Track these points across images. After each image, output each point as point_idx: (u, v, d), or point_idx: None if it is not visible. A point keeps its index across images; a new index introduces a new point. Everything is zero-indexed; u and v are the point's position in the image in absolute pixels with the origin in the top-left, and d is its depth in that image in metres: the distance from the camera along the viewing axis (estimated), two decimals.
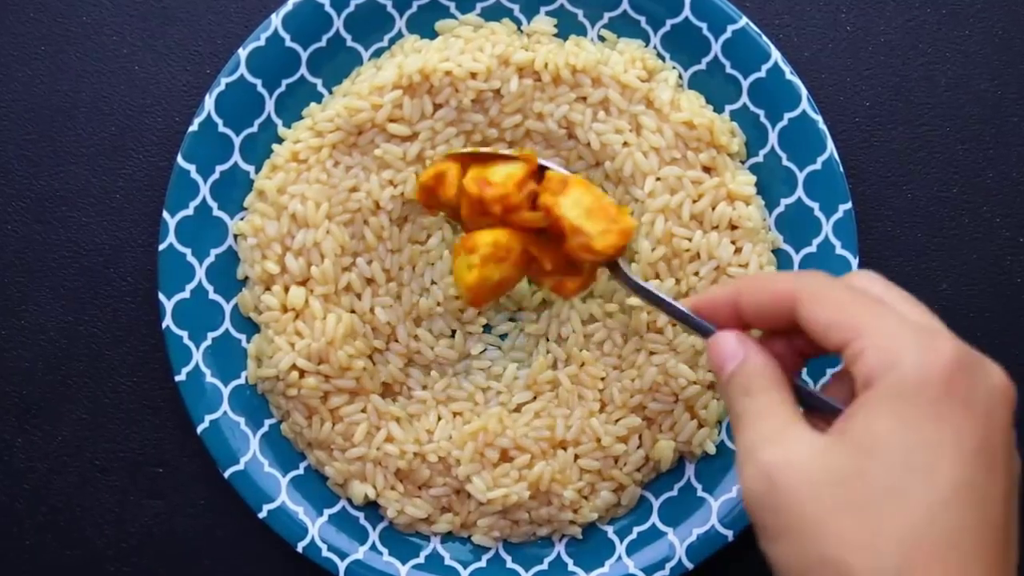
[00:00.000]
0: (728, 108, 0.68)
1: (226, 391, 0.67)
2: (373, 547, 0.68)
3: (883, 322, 0.46)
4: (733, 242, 0.67)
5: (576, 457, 0.67)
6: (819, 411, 0.50)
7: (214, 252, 0.68)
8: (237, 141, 0.67)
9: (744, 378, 0.49)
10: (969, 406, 0.44)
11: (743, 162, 0.68)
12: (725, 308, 0.52)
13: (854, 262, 0.66)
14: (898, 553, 0.42)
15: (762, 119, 0.68)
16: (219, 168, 0.67)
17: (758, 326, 0.52)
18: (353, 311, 0.67)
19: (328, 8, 0.67)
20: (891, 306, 0.47)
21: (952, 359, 0.45)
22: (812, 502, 0.44)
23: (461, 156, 0.63)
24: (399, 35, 0.69)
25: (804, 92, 0.67)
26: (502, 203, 0.61)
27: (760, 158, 0.68)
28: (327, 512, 0.68)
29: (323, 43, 0.68)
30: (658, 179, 0.66)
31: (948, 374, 0.44)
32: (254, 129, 0.68)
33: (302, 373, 0.66)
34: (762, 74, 0.67)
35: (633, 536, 0.68)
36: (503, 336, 0.69)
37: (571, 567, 0.68)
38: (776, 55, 0.67)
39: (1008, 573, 0.44)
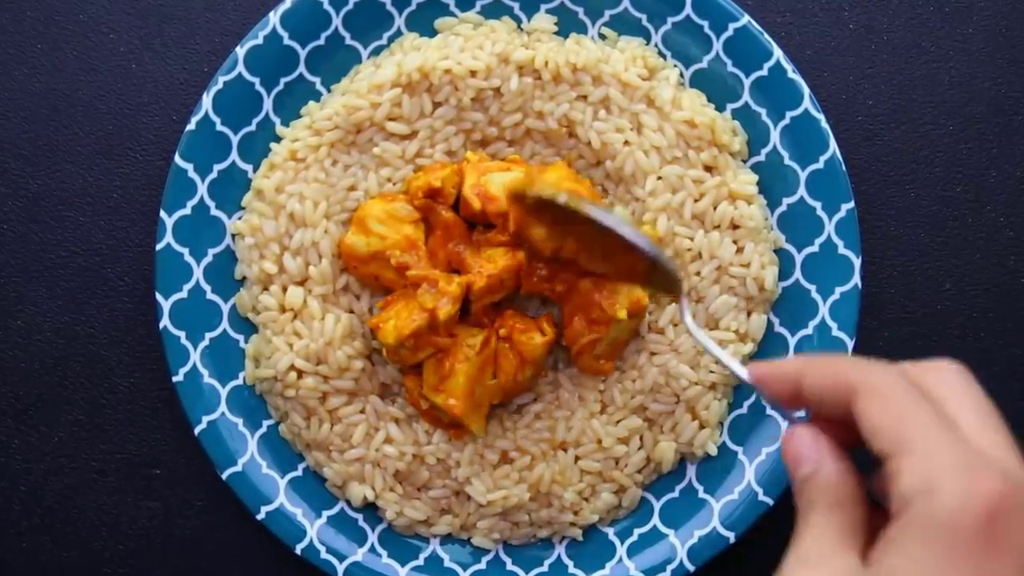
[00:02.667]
0: (730, 107, 0.68)
1: (224, 392, 0.67)
2: (372, 549, 0.67)
3: (930, 441, 0.43)
4: (735, 241, 0.67)
5: (577, 458, 0.67)
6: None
7: (212, 252, 0.67)
8: (235, 140, 0.67)
9: (814, 489, 0.47)
10: (1005, 552, 0.41)
11: (745, 161, 0.68)
12: (787, 385, 0.49)
13: (856, 262, 0.66)
14: None
15: (764, 118, 0.67)
16: (217, 167, 0.67)
17: (816, 408, 0.49)
18: (352, 311, 0.67)
19: (327, 6, 0.67)
20: (954, 417, 0.45)
21: (993, 497, 0.41)
22: None
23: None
24: (398, 33, 0.68)
25: (806, 91, 0.67)
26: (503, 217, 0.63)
27: (762, 157, 0.68)
28: (326, 514, 0.67)
29: (322, 41, 0.68)
30: (659, 178, 0.66)
31: (985, 514, 0.41)
32: (252, 128, 0.67)
33: (300, 374, 0.66)
34: (764, 72, 0.67)
35: (634, 538, 0.68)
36: None
37: (572, 569, 0.67)
38: (778, 53, 0.67)
39: None
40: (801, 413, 0.50)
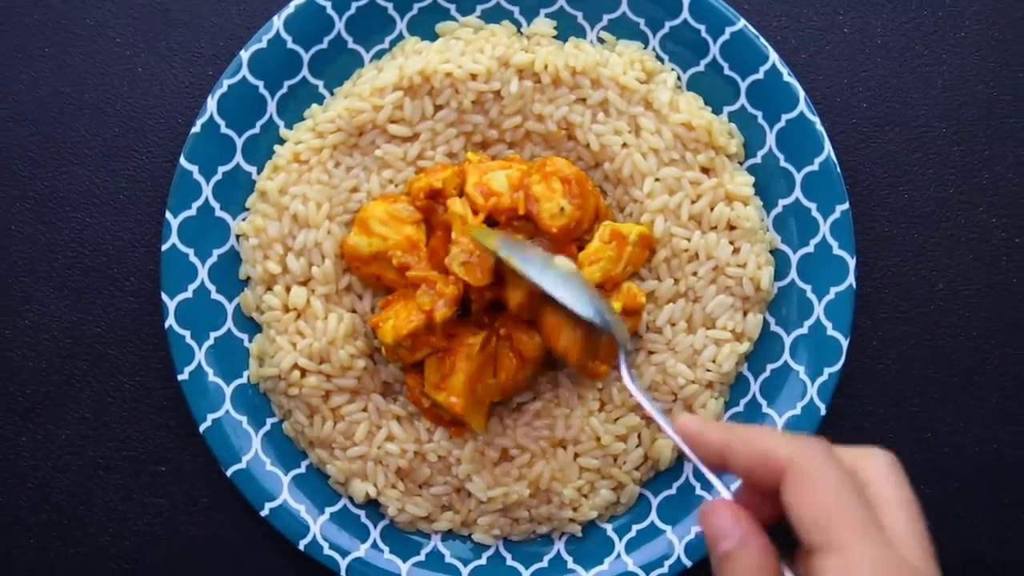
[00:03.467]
0: (726, 109, 0.69)
1: (228, 390, 0.68)
2: (374, 545, 0.68)
3: (855, 545, 0.43)
4: (731, 242, 0.67)
5: (576, 456, 0.67)
6: None
7: (216, 252, 0.68)
8: (239, 142, 0.68)
9: (736, 568, 0.46)
10: None
11: (741, 163, 0.69)
12: (712, 452, 0.49)
13: (851, 262, 0.67)
14: None
15: (760, 120, 0.68)
16: (221, 169, 0.68)
17: (741, 476, 0.48)
18: (354, 311, 0.67)
19: (330, 10, 0.67)
20: (876, 505, 0.45)
21: None
22: None
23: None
24: (400, 37, 0.69)
25: (802, 93, 0.67)
26: (506, 213, 0.64)
27: (758, 159, 0.68)
28: (328, 510, 0.68)
29: (324, 45, 0.68)
30: (657, 180, 0.67)
31: None
32: (256, 130, 0.68)
33: (304, 372, 0.66)
34: (760, 76, 0.67)
35: (632, 534, 0.68)
36: None
37: (571, 564, 0.68)
38: (774, 57, 0.67)
39: None
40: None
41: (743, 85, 0.68)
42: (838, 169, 0.67)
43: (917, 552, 0.45)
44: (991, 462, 0.70)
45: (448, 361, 0.64)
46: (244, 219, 0.68)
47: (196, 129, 0.67)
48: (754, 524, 0.47)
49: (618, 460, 0.67)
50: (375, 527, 0.68)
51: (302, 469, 0.68)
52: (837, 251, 0.67)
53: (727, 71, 0.68)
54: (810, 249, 0.67)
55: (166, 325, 0.67)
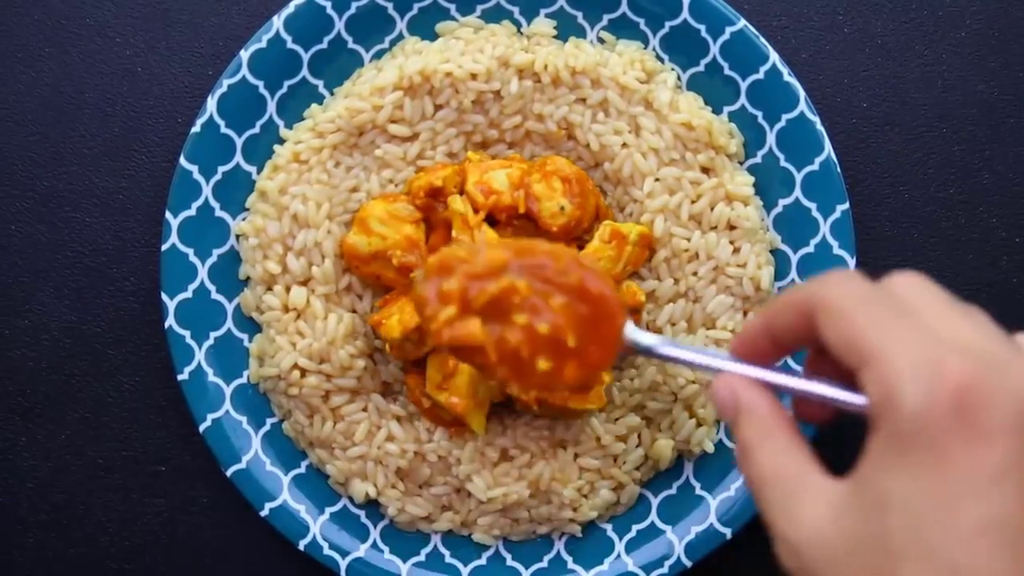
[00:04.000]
0: (726, 109, 0.69)
1: (228, 390, 0.68)
2: (374, 545, 0.68)
3: (887, 345, 0.40)
4: (731, 242, 0.67)
5: (576, 456, 0.67)
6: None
7: (216, 252, 0.68)
8: (239, 142, 0.68)
9: (756, 418, 0.44)
10: (982, 432, 0.38)
11: (741, 163, 0.69)
12: (762, 341, 0.46)
13: (851, 262, 0.67)
14: None
15: (760, 120, 0.68)
16: (221, 169, 0.68)
17: (799, 348, 0.46)
18: (354, 311, 0.67)
19: (329, 10, 0.68)
20: (918, 318, 0.41)
21: (958, 383, 0.38)
22: (836, 571, 0.39)
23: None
24: (400, 37, 0.69)
25: (802, 93, 0.67)
26: (506, 212, 0.64)
27: (758, 159, 0.68)
28: (328, 510, 0.68)
29: (324, 45, 0.68)
30: (657, 180, 0.67)
31: (953, 403, 0.38)
32: (256, 130, 0.68)
33: (303, 372, 0.66)
34: (760, 75, 0.68)
35: (632, 534, 0.68)
36: None
37: (571, 565, 0.68)
38: (774, 57, 0.67)
39: None
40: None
41: (743, 85, 0.68)
42: (838, 169, 0.67)
43: (966, 329, 0.41)
44: None
45: (451, 361, 0.64)
46: (244, 219, 0.68)
47: (196, 129, 0.67)
48: (759, 388, 0.45)
49: (618, 460, 0.67)
50: (375, 527, 0.68)
51: (302, 469, 0.68)
52: (837, 251, 0.67)
53: (727, 71, 0.68)
54: (810, 249, 0.67)
55: (166, 325, 0.67)
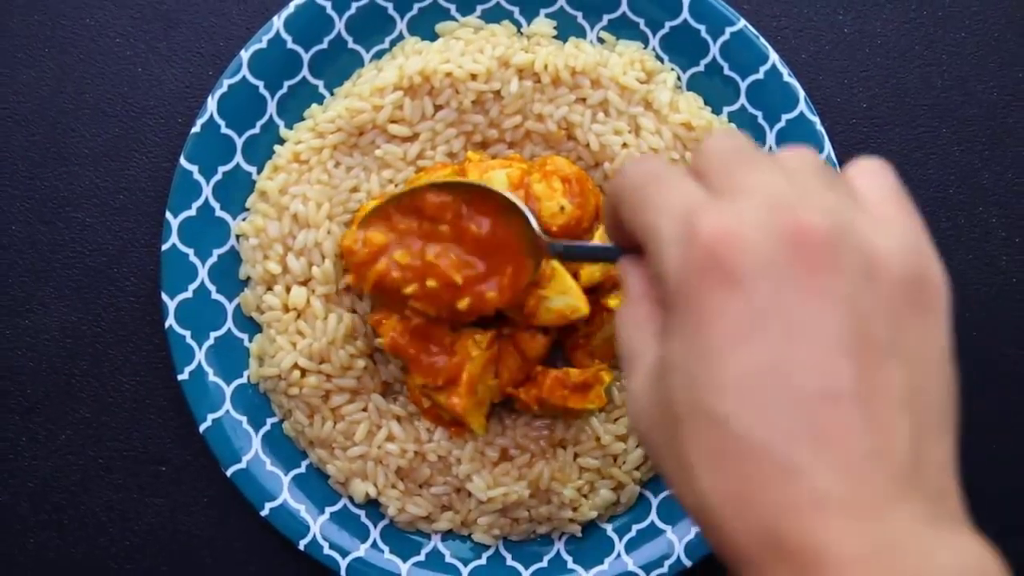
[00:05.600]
0: (726, 110, 0.69)
1: (228, 390, 0.68)
2: (374, 545, 0.68)
3: (656, 216, 0.39)
4: None
5: (576, 456, 0.67)
6: None
7: (216, 252, 0.68)
8: (239, 142, 0.68)
9: (620, 307, 0.43)
10: (734, 279, 0.36)
11: None
12: (612, 229, 0.45)
13: None
14: (707, 482, 0.36)
15: (760, 121, 0.68)
16: (221, 169, 0.68)
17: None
18: (354, 311, 0.67)
19: (329, 10, 0.68)
20: (702, 180, 0.39)
21: (709, 236, 0.36)
22: (651, 436, 0.39)
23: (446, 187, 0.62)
24: (400, 37, 0.69)
25: (802, 94, 0.67)
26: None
27: None
28: (328, 510, 0.68)
29: (324, 45, 0.68)
30: None
31: (704, 259, 0.36)
32: (256, 130, 0.68)
33: (304, 372, 0.66)
34: (760, 76, 0.68)
35: (632, 534, 0.68)
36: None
37: (571, 564, 0.68)
38: (774, 57, 0.67)
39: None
40: None
41: (743, 85, 0.68)
42: (838, 169, 0.67)
43: (758, 181, 0.38)
44: (991, 462, 0.70)
45: (451, 361, 0.64)
46: (244, 219, 0.68)
47: (196, 129, 0.67)
48: (636, 269, 0.43)
49: (618, 460, 0.67)
50: (375, 527, 0.68)
51: (302, 469, 0.68)
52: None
53: (727, 71, 0.68)
54: None
55: (166, 325, 0.67)
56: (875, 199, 0.39)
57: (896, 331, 0.36)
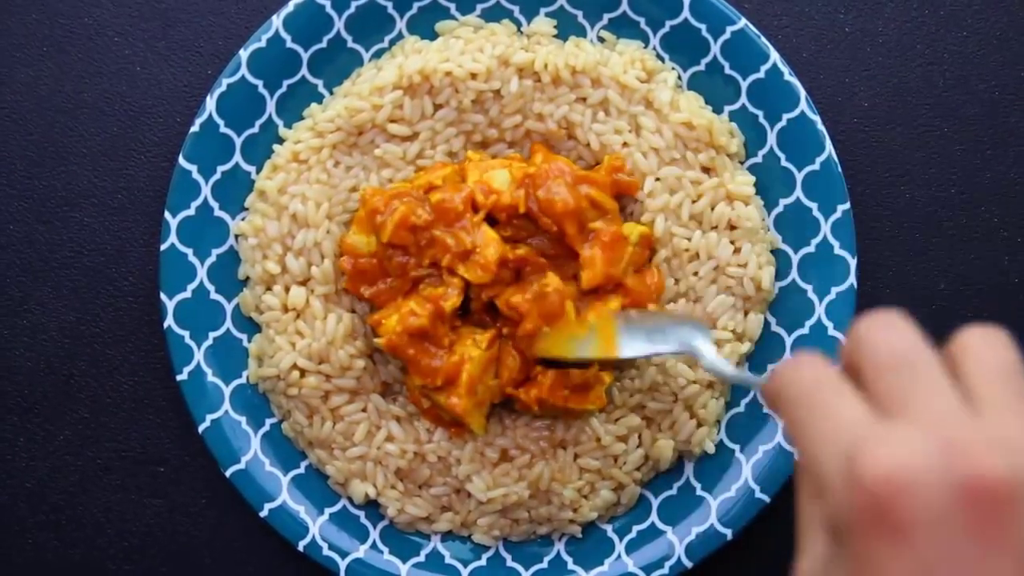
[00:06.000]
0: (727, 109, 0.68)
1: (227, 390, 0.68)
2: (374, 546, 0.68)
3: (815, 442, 0.37)
4: (732, 242, 0.67)
5: (576, 456, 0.67)
6: None
7: (215, 252, 0.68)
8: (238, 141, 0.68)
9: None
10: (901, 529, 0.34)
11: (742, 162, 0.69)
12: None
13: (852, 262, 0.66)
14: None
15: (761, 120, 0.68)
16: (220, 168, 0.68)
17: None
18: (353, 311, 0.67)
19: (329, 9, 0.67)
20: (871, 397, 0.37)
21: (877, 474, 0.34)
22: None
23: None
24: (399, 36, 0.69)
25: (803, 93, 0.67)
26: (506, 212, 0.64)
27: (759, 158, 0.68)
28: (328, 511, 0.68)
29: (324, 44, 0.68)
30: (657, 179, 0.67)
31: (871, 498, 0.34)
32: (255, 130, 0.68)
33: (303, 373, 0.66)
34: (761, 75, 0.67)
35: (632, 535, 0.68)
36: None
37: (571, 565, 0.68)
38: (775, 56, 0.67)
39: None
40: None
41: (744, 84, 0.68)
42: (839, 168, 0.67)
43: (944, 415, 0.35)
44: None
45: (450, 361, 0.64)
46: (243, 219, 0.68)
47: (195, 128, 0.67)
48: None
49: (618, 461, 0.67)
50: (375, 528, 0.68)
51: (301, 470, 0.68)
52: (838, 251, 0.67)
53: (728, 70, 0.68)
54: (811, 249, 0.67)
55: (165, 325, 0.67)
56: None
57: None
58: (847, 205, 0.67)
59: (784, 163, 0.68)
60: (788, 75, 0.67)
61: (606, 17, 0.69)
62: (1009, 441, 0.34)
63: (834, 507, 0.35)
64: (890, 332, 0.38)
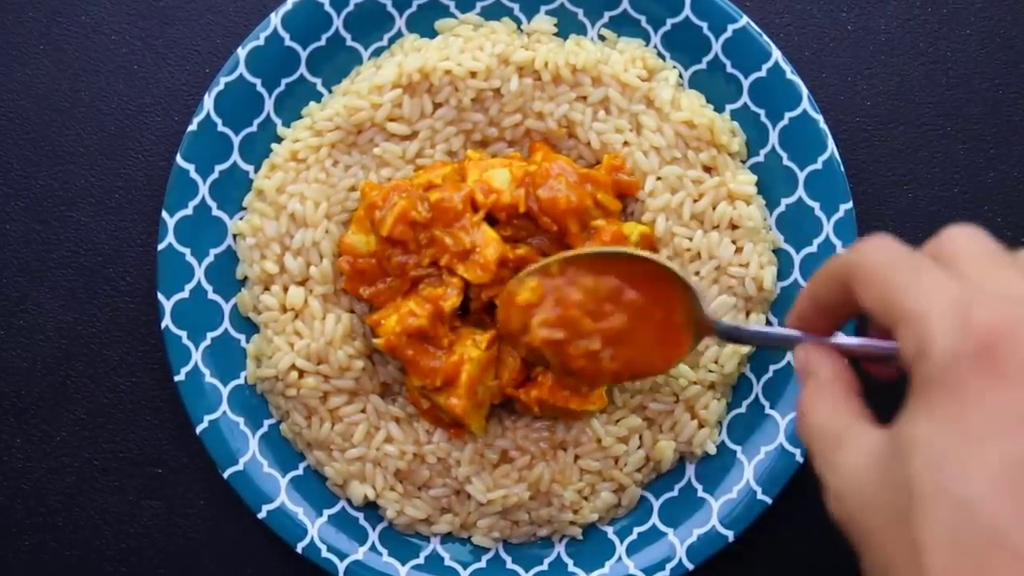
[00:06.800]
0: (729, 107, 0.68)
1: (225, 391, 0.67)
2: (373, 547, 0.67)
3: (920, 298, 0.40)
4: (734, 241, 0.67)
5: (576, 458, 0.67)
6: None
7: (213, 252, 0.68)
8: (236, 140, 0.67)
9: (804, 388, 0.47)
10: (1007, 375, 0.37)
11: (744, 161, 0.68)
12: (812, 314, 0.49)
13: None
14: (939, 563, 0.37)
15: (763, 118, 0.68)
16: (218, 168, 0.67)
17: (850, 317, 0.48)
18: (352, 311, 0.67)
19: (328, 7, 0.67)
20: (955, 269, 0.42)
21: (985, 326, 0.38)
22: (870, 516, 0.41)
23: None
24: (399, 34, 0.69)
25: (805, 91, 0.67)
26: (506, 211, 0.64)
27: (761, 157, 0.68)
28: (327, 512, 0.68)
29: (322, 42, 0.68)
30: (659, 178, 0.66)
31: (979, 347, 0.38)
32: (253, 128, 0.68)
33: (301, 373, 0.66)
34: (763, 73, 0.67)
35: (633, 536, 0.68)
36: None
37: (571, 567, 0.67)
38: (777, 54, 0.67)
39: None
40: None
41: (745, 83, 0.68)
42: (841, 168, 0.66)
43: (1003, 278, 0.41)
44: None
45: (449, 362, 0.63)
46: (241, 218, 0.68)
47: (193, 127, 0.67)
48: (825, 353, 0.48)
49: (619, 462, 0.67)
50: (374, 529, 0.68)
51: (300, 471, 0.68)
52: (841, 250, 0.66)
53: (729, 69, 0.68)
54: (813, 249, 0.67)
55: (162, 325, 0.67)
56: None
57: None
58: (849, 204, 0.66)
59: (786, 162, 0.67)
60: (790, 74, 0.67)
61: (607, 15, 0.68)
62: None
63: (939, 353, 0.38)
64: (975, 233, 0.44)
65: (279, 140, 0.68)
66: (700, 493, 0.68)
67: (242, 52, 0.67)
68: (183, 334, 0.67)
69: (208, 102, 0.67)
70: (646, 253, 0.59)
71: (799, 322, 0.50)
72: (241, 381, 0.68)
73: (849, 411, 0.44)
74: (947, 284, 0.40)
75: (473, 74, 0.66)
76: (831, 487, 0.42)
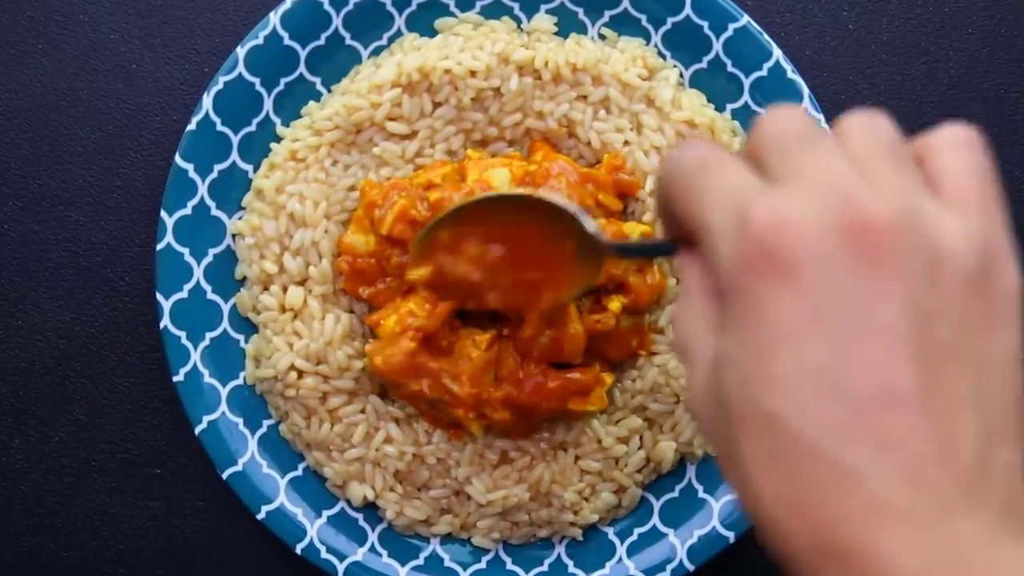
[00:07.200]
0: (729, 107, 0.68)
1: (224, 392, 0.67)
2: (372, 548, 0.67)
3: (703, 207, 0.37)
4: None
5: (576, 458, 0.67)
6: None
7: (212, 252, 0.67)
8: (235, 140, 0.67)
9: (677, 301, 0.44)
10: (790, 273, 0.34)
11: None
12: (668, 223, 0.43)
13: None
14: (764, 482, 0.36)
15: None
16: (217, 167, 0.67)
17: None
18: (352, 311, 0.67)
19: (327, 6, 0.67)
20: (783, 160, 0.37)
21: (763, 222, 0.35)
22: (708, 429, 0.39)
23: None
24: (398, 33, 0.68)
25: (806, 91, 0.67)
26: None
27: None
28: (326, 513, 0.67)
29: (322, 41, 0.68)
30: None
31: (759, 252, 0.35)
32: (252, 128, 0.67)
33: (301, 373, 0.66)
34: (764, 73, 0.67)
35: (634, 537, 0.68)
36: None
37: (571, 568, 0.67)
38: (778, 54, 0.67)
39: None
40: None
41: (746, 82, 0.67)
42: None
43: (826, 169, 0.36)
44: None
45: (451, 363, 0.63)
46: (240, 218, 0.68)
47: (192, 127, 0.67)
48: (694, 261, 0.41)
49: (620, 463, 0.67)
50: (373, 530, 0.68)
51: (299, 472, 0.68)
52: None
53: (730, 68, 0.68)
54: None
55: (161, 325, 0.66)
56: (952, 181, 0.38)
57: (961, 330, 0.35)
58: None
59: None
60: (791, 73, 0.67)
61: (607, 14, 0.68)
62: (892, 187, 0.35)
63: (725, 263, 0.36)
64: (788, 116, 0.38)
65: (278, 139, 0.68)
66: (701, 494, 0.68)
67: (241, 51, 0.67)
68: (182, 334, 0.67)
69: (207, 101, 0.67)
70: (520, 190, 0.58)
71: (669, 231, 0.44)
72: (240, 381, 0.68)
73: (706, 323, 0.39)
74: (734, 183, 0.37)
75: (473, 73, 0.66)
76: (687, 400, 0.40)
